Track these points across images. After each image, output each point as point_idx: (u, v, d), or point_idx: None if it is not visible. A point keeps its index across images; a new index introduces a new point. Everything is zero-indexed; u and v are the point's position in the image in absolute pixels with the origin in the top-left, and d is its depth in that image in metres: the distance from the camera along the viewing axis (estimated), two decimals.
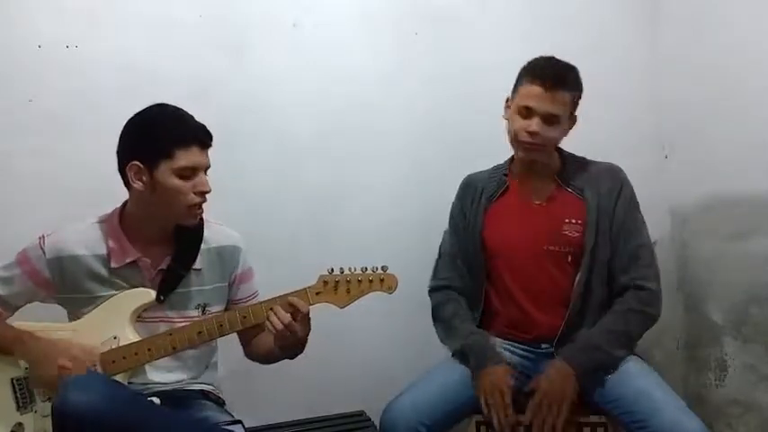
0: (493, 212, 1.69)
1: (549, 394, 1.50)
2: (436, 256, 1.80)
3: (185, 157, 1.38)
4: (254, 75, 1.99)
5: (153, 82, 1.88)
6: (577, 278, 1.60)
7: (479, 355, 1.59)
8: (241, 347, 1.63)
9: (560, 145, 1.70)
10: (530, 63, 1.63)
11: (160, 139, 1.38)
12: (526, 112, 1.58)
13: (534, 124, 1.57)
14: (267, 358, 1.58)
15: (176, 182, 1.39)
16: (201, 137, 1.41)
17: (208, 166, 1.44)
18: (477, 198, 1.71)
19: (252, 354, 1.62)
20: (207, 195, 1.44)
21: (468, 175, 1.79)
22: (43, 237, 1.47)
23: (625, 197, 1.63)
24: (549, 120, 1.57)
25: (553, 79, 1.56)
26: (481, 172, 1.78)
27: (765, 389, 1.94)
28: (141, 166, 1.39)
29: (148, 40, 1.90)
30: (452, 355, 1.67)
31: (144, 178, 1.40)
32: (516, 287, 1.65)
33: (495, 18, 2.17)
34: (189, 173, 1.39)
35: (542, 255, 1.62)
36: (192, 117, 1.44)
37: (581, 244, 1.61)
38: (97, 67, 1.86)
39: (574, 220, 1.62)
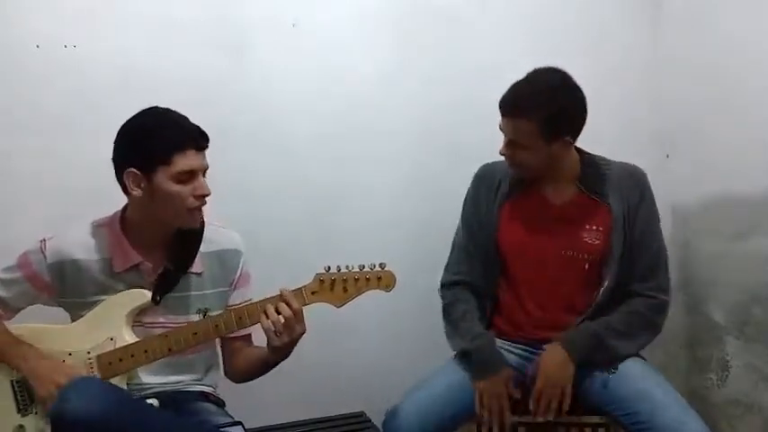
0: (509, 211, 1.65)
1: (549, 378, 1.50)
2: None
3: (182, 162, 1.36)
4: (254, 75, 1.99)
5: (152, 82, 1.88)
6: (604, 286, 1.57)
7: (482, 361, 1.57)
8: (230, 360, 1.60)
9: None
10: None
11: (155, 145, 1.36)
12: (502, 131, 1.59)
13: (503, 146, 1.58)
14: (251, 372, 1.55)
15: (175, 187, 1.37)
16: (197, 139, 1.39)
17: (206, 168, 1.42)
18: (494, 191, 1.66)
19: (235, 370, 1.58)
20: (207, 197, 1.43)
21: (486, 164, 1.72)
22: (44, 240, 1.46)
23: (647, 205, 1.60)
24: (514, 144, 1.55)
25: (508, 108, 1.54)
26: (498, 162, 1.67)
27: (767, 389, 1.93)
28: (138, 173, 1.37)
29: (148, 40, 1.89)
30: (455, 356, 1.66)
31: (142, 185, 1.38)
32: (526, 289, 1.63)
33: (495, 18, 2.17)
34: (187, 177, 1.37)
35: (559, 259, 1.60)
36: (186, 119, 1.42)
37: (600, 251, 1.58)
38: (96, 66, 1.86)
39: (595, 227, 1.58)
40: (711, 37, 2.06)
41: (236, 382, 1.59)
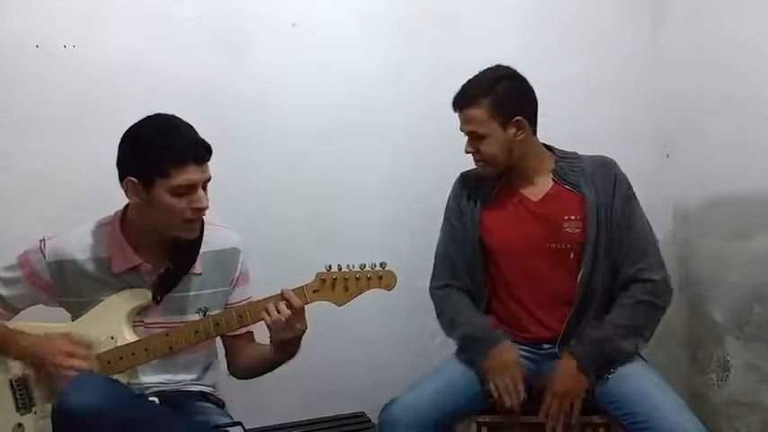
0: (490, 212, 1.68)
1: (560, 394, 1.50)
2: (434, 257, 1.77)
3: (181, 176, 1.34)
4: (254, 75, 1.99)
5: (152, 82, 1.88)
6: (580, 274, 1.59)
7: (484, 339, 1.58)
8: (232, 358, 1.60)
9: (552, 142, 1.70)
10: None
11: (154, 157, 1.35)
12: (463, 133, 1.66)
13: (467, 144, 1.65)
14: (254, 369, 1.55)
15: (172, 200, 1.36)
16: (198, 153, 1.36)
17: (207, 180, 1.40)
18: (473, 196, 1.70)
19: (241, 367, 1.58)
20: (205, 209, 1.41)
21: (463, 173, 1.77)
22: (44, 240, 1.46)
23: (621, 190, 1.63)
24: (475, 137, 1.62)
25: (457, 102, 1.64)
26: (476, 169, 1.74)
27: (767, 389, 1.93)
28: (137, 182, 1.37)
29: (148, 40, 1.90)
30: (458, 349, 1.66)
31: (140, 194, 1.38)
32: (518, 287, 1.64)
33: (495, 18, 2.18)
34: (184, 190, 1.36)
35: (545, 253, 1.62)
36: (189, 129, 1.39)
37: (581, 240, 1.60)
38: (96, 66, 1.86)
39: (573, 217, 1.61)
40: (711, 37, 2.06)
41: (239, 379, 1.59)
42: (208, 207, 1.41)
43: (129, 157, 1.39)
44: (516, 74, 1.64)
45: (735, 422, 2.04)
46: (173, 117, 1.41)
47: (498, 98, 1.59)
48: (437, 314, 1.72)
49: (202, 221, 1.49)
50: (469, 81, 1.64)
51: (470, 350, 1.61)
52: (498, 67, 1.65)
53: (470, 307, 1.67)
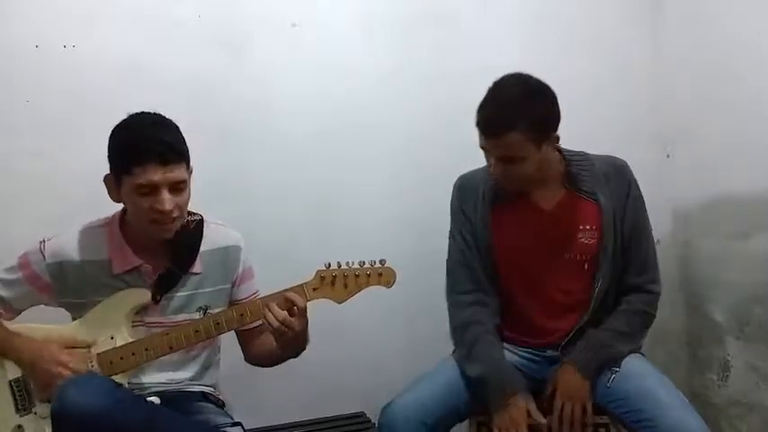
0: (499, 218, 1.60)
1: (569, 395, 1.49)
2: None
3: (141, 175, 1.33)
4: (254, 75, 1.99)
5: (152, 82, 1.88)
6: (598, 285, 1.56)
7: (499, 389, 1.51)
8: (240, 350, 1.62)
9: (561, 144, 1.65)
10: (484, 98, 1.50)
11: (120, 154, 1.37)
12: (486, 152, 1.51)
13: (493, 165, 1.50)
14: (270, 359, 1.56)
15: (136, 199, 1.36)
16: (160, 153, 1.33)
17: (175, 182, 1.36)
18: (479, 200, 1.62)
19: (254, 357, 1.60)
20: (181, 211, 1.40)
21: (463, 176, 1.68)
22: (44, 241, 1.46)
23: (634, 196, 1.58)
24: (507, 160, 1.47)
25: (493, 128, 1.45)
26: (477, 171, 1.65)
27: (767, 389, 1.93)
28: (112, 179, 1.39)
29: (148, 39, 1.89)
30: (467, 382, 1.57)
31: (113, 191, 1.40)
32: (527, 296, 1.61)
33: (495, 18, 2.17)
34: (147, 190, 1.35)
35: (558, 264, 1.57)
36: (162, 128, 1.37)
37: (596, 250, 1.56)
38: (95, 66, 1.86)
39: (589, 226, 1.56)
40: (712, 37, 2.06)
41: (253, 365, 1.62)
42: (173, 210, 1.37)
43: (108, 154, 1.41)
44: (543, 85, 1.50)
45: (735, 422, 2.04)
46: (153, 115, 1.40)
47: (535, 119, 1.44)
48: (453, 336, 1.63)
49: (201, 220, 1.49)
50: (499, 103, 1.47)
51: (482, 393, 1.53)
52: (517, 78, 1.50)
53: (489, 340, 1.56)
